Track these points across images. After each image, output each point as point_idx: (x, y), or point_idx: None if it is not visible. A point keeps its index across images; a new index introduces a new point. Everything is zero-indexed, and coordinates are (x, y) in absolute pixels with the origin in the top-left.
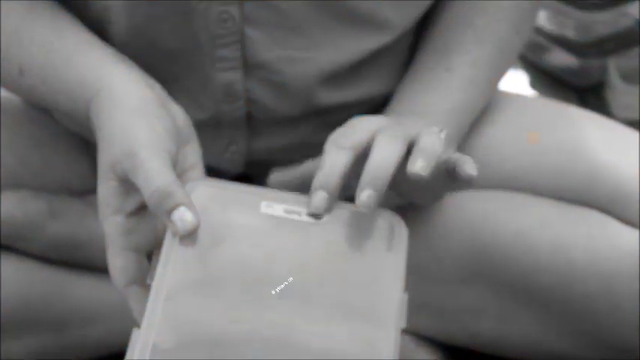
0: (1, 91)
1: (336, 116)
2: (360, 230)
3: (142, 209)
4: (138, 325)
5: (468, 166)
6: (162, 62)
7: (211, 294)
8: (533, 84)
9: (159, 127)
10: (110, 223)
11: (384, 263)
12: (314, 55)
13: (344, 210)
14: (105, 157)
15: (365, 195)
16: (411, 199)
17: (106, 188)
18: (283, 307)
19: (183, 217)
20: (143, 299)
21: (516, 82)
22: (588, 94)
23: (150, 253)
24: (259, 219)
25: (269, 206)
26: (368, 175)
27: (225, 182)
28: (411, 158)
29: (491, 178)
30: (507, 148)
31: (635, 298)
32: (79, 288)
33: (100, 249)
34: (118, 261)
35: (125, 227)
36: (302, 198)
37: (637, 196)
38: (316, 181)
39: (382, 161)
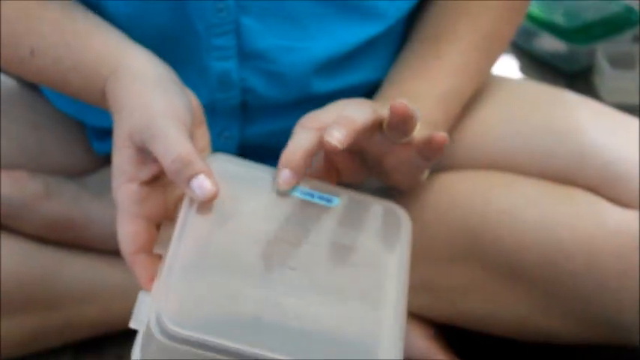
0: None
1: (330, 103)
2: (367, 218)
3: (154, 180)
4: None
5: (438, 135)
6: (158, 50)
7: (223, 264)
8: (523, 69)
9: (177, 101)
10: (123, 190)
11: (390, 249)
12: (308, 44)
13: (357, 198)
14: (123, 128)
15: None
16: (389, 182)
17: (122, 156)
18: (293, 281)
19: (202, 185)
20: (150, 267)
21: (506, 67)
22: (577, 78)
23: (159, 225)
24: (274, 197)
25: None
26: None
27: (242, 159)
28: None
29: (481, 158)
30: (497, 129)
31: (620, 276)
32: (74, 268)
33: (95, 230)
34: (129, 228)
35: (138, 195)
36: (315, 182)
37: (624, 176)
38: (281, 160)
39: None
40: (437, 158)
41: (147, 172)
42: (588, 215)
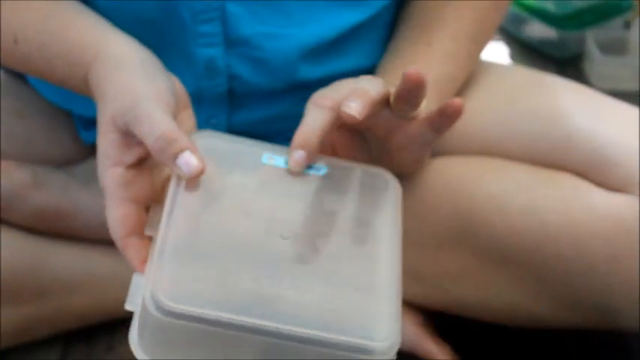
0: None
1: (316, 90)
2: (357, 185)
3: (140, 163)
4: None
5: (455, 100)
6: (144, 38)
7: (215, 239)
8: (513, 56)
9: (159, 84)
10: (109, 174)
11: (381, 215)
12: (294, 30)
13: (344, 165)
14: (106, 113)
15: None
16: (392, 163)
17: (107, 141)
18: (286, 250)
19: (188, 161)
20: (141, 249)
21: (496, 54)
22: (567, 65)
23: (148, 207)
24: (261, 169)
25: (270, 158)
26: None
27: (227, 134)
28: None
29: (471, 144)
30: (486, 115)
31: (609, 261)
32: (63, 257)
33: (84, 219)
34: (118, 212)
35: (124, 179)
36: None
37: (612, 160)
38: (295, 140)
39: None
40: (449, 128)
41: (132, 156)
42: (576, 199)
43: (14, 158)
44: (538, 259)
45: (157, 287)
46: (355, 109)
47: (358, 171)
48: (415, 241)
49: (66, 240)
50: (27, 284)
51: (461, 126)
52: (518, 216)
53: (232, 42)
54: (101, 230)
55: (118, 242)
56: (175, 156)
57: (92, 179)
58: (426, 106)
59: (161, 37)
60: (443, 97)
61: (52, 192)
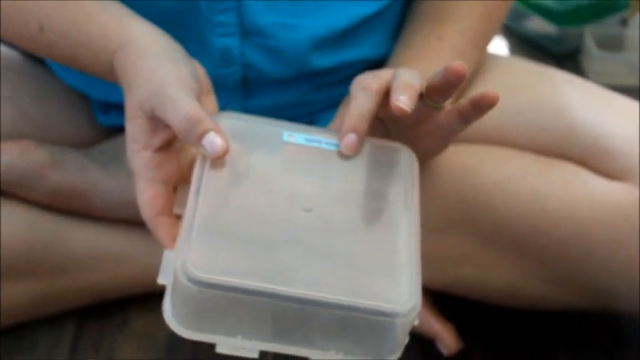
0: (2, 48)
1: (329, 78)
2: (374, 158)
3: (167, 146)
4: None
5: (491, 92)
6: (163, 27)
7: (241, 213)
8: (513, 50)
9: (183, 69)
10: (139, 158)
11: (398, 186)
12: (307, 21)
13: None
14: (133, 99)
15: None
16: (416, 149)
17: (134, 126)
18: (309, 222)
19: (213, 141)
20: (171, 227)
21: (496, 47)
22: (565, 60)
23: (176, 188)
24: (282, 147)
25: (291, 135)
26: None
27: (248, 115)
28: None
29: (476, 133)
30: None
31: (607, 245)
32: (79, 235)
33: (99, 198)
34: (147, 193)
35: (153, 162)
36: (321, 129)
37: (611, 150)
38: (346, 124)
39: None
40: (479, 119)
41: (159, 139)
42: (576, 186)
43: (33, 139)
44: (540, 243)
45: (187, 259)
46: (405, 102)
47: (375, 145)
48: (421, 224)
49: (82, 218)
50: (44, 260)
51: None
52: (521, 202)
53: (247, 32)
54: (116, 209)
55: (149, 221)
56: (200, 136)
57: (108, 160)
58: None
59: (179, 27)
60: None
61: (69, 171)
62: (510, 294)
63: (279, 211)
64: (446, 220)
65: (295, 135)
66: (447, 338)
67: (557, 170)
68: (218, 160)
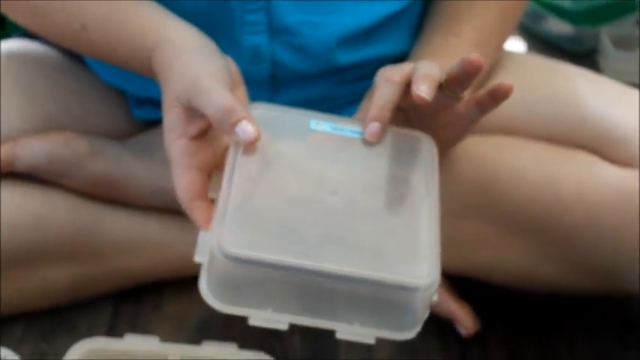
0: (43, 47)
1: (353, 74)
2: (396, 146)
3: (202, 135)
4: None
5: (506, 83)
6: (197, 26)
7: (271, 196)
8: (531, 50)
9: (216, 64)
10: (175, 146)
11: (418, 171)
12: (333, 19)
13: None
14: (170, 92)
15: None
16: (436, 139)
17: (171, 115)
18: (336, 204)
19: (245, 129)
20: (206, 211)
21: (515, 47)
22: (582, 59)
23: (210, 174)
24: (309, 134)
25: (318, 124)
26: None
27: (278, 105)
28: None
29: (492, 123)
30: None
31: (617, 228)
32: (116, 221)
33: (135, 187)
34: (184, 178)
35: (189, 149)
36: (346, 118)
37: (621, 139)
38: (370, 113)
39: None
40: (495, 108)
41: (195, 128)
42: (588, 173)
43: (73, 132)
44: (553, 227)
45: (222, 237)
46: (425, 91)
47: (397, 134)
48: (440, 210)
49: (120, 206)
50: (84, 245)
51: None
52: (536, 188)
53: (276, 30)
54: (151, 197)
55: (185, 205)
56: (234, 125)
57: (143, 152)
58: None
59: (211, 26)
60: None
61: (107, 161)
62: (525, 277)
63: (306, 193)
64: (464, 206)
65: (322, 124)
66: (464, 319)
67: (570, 158)
68: (250, 147)
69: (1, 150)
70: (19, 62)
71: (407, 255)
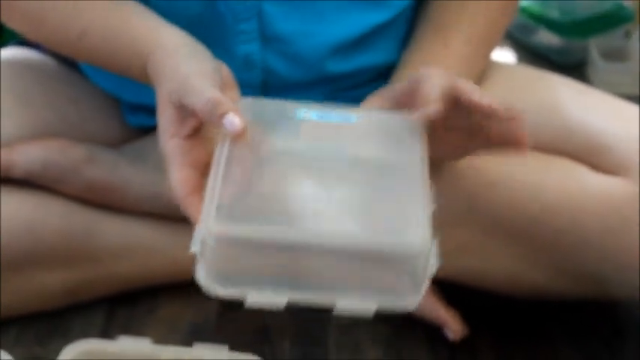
0: (39, 55)
1: (343, 83)
2: (384, 129)
3: (195, 134)
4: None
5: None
6: (191, 33)
7: (261, 181)
8: (521, 61)
9: (206, 64)
10: (170, 145)
11: (407, 151)
12: (324, 29)
13: (370, 113)
14: (162, 93)
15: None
16: (440, 154)
17: (165, 117)
18: (328, 184)
19: (232, 120)
20: (200, 207)
21: (505, 59)
22: (572, 71)
23: (204, 172)
24: (298, 122)
25: (305, 112)
26: None
27: (266, 99)
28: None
29: None
30: None
31: (601, 234)
32: (111, 226)
33: (131, 193)
34: (179, 175)
35: (183, 148)
36: (332, 106)
37: (605, 147)
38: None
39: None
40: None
41: (187, 127)
42: (572, 181)
43: (69, 138)
44: (539, 234)
45: (210, 221)
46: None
47: (383, 116)
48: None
49: (115, 212)
50: (79, 250)
51: None
52: (521, 195)
53: (268, 38)
54: (145, 203)
55: (180, 201)
56: (221, 116)
57: (138, 158)
58: None
59: (205, 34)
60: None
61: (103, 168)
62: (512, 283)
63: (296, 173)
64: (451, 214)
65: (309, 112)
66: (452, 324)
67: (555, 166)
68: (237, 138)
69: None
70: (16, 70)
71: (401, 224)
